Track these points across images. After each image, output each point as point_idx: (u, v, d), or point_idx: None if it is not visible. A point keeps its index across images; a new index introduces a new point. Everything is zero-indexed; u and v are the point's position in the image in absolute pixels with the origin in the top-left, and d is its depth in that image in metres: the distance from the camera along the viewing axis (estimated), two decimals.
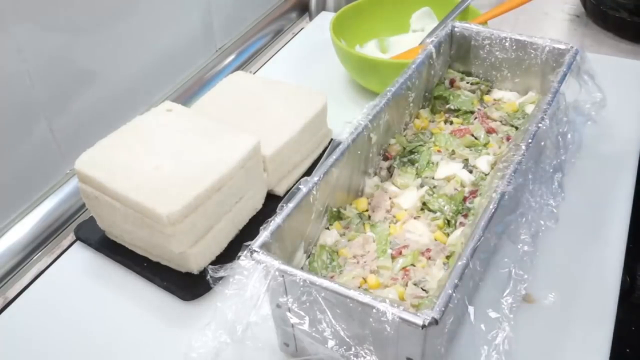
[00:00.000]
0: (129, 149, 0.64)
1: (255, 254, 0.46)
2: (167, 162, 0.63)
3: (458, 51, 0.76)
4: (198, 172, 0.61)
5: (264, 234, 0.48)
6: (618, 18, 0.96)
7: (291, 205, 0.51)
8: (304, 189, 0.52)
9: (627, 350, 0.66)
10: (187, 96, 0.90)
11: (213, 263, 0.51)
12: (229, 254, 0.63)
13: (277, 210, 0.50)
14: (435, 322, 0.41)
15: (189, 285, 0.62)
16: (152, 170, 0.61)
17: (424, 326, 0.41)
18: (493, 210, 0.49)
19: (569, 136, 0.66)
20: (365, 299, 0.43)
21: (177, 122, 0.68)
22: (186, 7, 0.88)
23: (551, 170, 0.59)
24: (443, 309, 0.41)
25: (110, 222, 0.65)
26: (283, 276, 0.45)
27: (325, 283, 0.44)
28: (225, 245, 0.65)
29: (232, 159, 0.62)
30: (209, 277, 0.50)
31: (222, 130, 0.66)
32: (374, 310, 0.42)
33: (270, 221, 0.49)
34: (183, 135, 0.66)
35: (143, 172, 0.61)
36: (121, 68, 0.80)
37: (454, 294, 0.43)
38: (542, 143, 0.61)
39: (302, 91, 0.76)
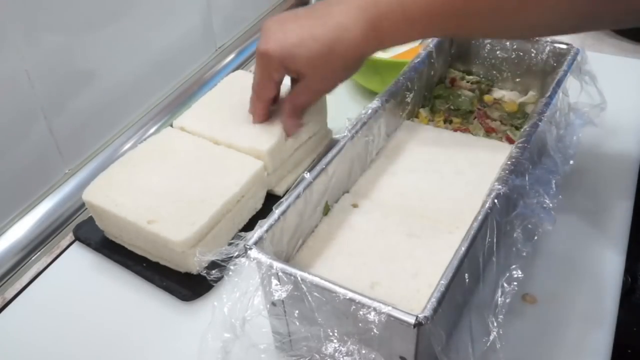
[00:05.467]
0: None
1: (250, 251, 0.46)
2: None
3: (458, 50, 0.76)
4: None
5: (258, 231, 0.48)
6: None
7: (287, 202, 0.51)
8: (300, 187, 0.52)
9: (629, 351, 0.66)
10: (186, 95, 0.90)
11: (212, 263, 0.51)
12: None
13: (274, 208, 0.50)
14: (427, 321, 0.40)
15: (189, 285, 0.62)
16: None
17: (415, 325, 0.40)
18: (488, 210, 0.49)
19: (567, 137, 0.66)
20: (357, 297, 0.43)
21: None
22: (186, 6, 0.88)
23: (549, 172, 0.59)
24: (435, 307, 0.41)
25: (109, 223, 0.65)
26: (278, 273, 0.45)
27: (317, 280, 0.44)
28: (225, 245, 0.64)
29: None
30: (196, 266, 0.49)
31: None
32: (366, 309, 0.42)
33: (267, 219, 0.49)
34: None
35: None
36: (120, 67, 0.80)
37: (446, 294, 0.43)
38: (541, 144, 0.60)
39: None
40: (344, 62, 0.60)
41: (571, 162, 0.64)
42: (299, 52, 0.59)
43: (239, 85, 0.78)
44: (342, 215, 0.57)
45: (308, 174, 0.53)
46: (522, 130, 0.58)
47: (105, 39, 0.76)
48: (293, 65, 0.60)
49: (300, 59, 0.59)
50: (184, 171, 0.66)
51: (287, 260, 0.52)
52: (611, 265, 0.61)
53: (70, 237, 0.70)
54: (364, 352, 0.45)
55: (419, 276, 0.50)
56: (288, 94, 0.66)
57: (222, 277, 0.50)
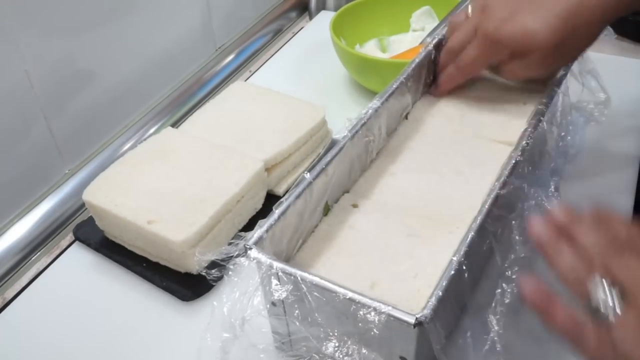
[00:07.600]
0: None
1: (250, 251, 0.46)
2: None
3: None
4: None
5: (258, 231, 0.48)
6: (620, 17, 0.95)
7: (287, 202, 0.51)
8: (300, 187, 0.52)
9: None
10: (186, 95, 0.90)
11: (212, 263, 0.51)
12: None
13: (274, 208, 0.50)
14: (426, 320, 0.40)
15: (189, 285, 0.62)
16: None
17: (415, 325, 0.40)
18: (486, 212, 0.49)
19: (569, 137, 0.66)
20: (357, 297, 0.43)
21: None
22: (185, 7, 0.88)
23: (549, 173, 0.59)
24: (435, 307, 0.41)
25: (109, 223, 0.65)
26: (278, 273, 0.45)
27: (317, 280, 0.44)
28: (225, 245, 0.64)
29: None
30: (196, 266, 0.50)
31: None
32: (366, 309, 0.42)
33: (266, 219, 0.49)
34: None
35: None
36: (120, 68, 0.80)
37: (446, 294, 0.43)
38: (541, 144, 0.60)
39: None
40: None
41: (573, 161, 0.64)
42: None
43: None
44: (342, 215, 0.57)
45: (308, 174, 0.53)
46: (522, 130, 0.58)
47: (105, 39, 0.76)
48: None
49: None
50: (184, 171, 0.66)
51: (287, 260, 0.52)
52: None
53: (70, 237, 0.70)
54: (364, 352, 0.45)
55: (419, 276, 0.50)
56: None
57: (222, 277, 0.50)
